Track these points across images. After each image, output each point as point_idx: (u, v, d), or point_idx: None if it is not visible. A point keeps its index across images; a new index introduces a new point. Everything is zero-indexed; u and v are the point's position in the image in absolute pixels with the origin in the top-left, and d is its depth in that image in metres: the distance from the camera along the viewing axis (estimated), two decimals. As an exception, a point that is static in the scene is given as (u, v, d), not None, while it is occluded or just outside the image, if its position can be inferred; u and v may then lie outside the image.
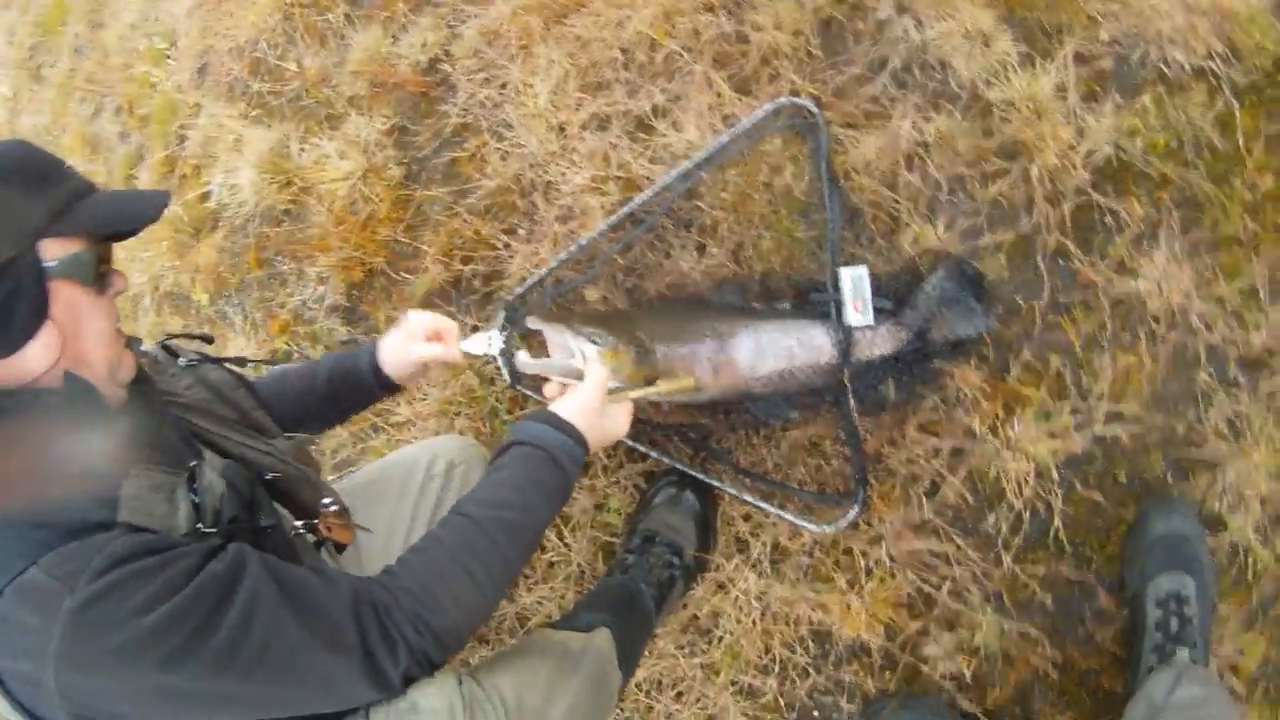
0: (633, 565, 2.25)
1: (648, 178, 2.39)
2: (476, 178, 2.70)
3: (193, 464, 1.50)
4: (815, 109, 2.21)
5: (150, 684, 1.25)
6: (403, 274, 2.81)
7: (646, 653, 2.29)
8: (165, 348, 1.90)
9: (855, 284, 2.16)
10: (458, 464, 2.27)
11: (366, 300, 2.91)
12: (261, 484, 1.78)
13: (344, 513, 1.89)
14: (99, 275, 1.49)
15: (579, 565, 2.46)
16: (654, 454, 2.32)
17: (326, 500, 1.87)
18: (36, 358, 1.38)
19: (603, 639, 1.96)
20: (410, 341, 2.13)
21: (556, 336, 1.99)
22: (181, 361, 1.89)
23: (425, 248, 2.76)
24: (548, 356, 2.04)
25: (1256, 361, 2.09)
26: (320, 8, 3.30)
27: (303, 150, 3.14)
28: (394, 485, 2.24)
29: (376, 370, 2.14)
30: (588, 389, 1.82)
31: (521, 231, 2.60)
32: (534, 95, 2.58)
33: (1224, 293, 2.10)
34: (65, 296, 1.42)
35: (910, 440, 2.20)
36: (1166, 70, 2.14)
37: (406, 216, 2.84)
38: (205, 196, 3.52)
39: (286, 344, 3.07)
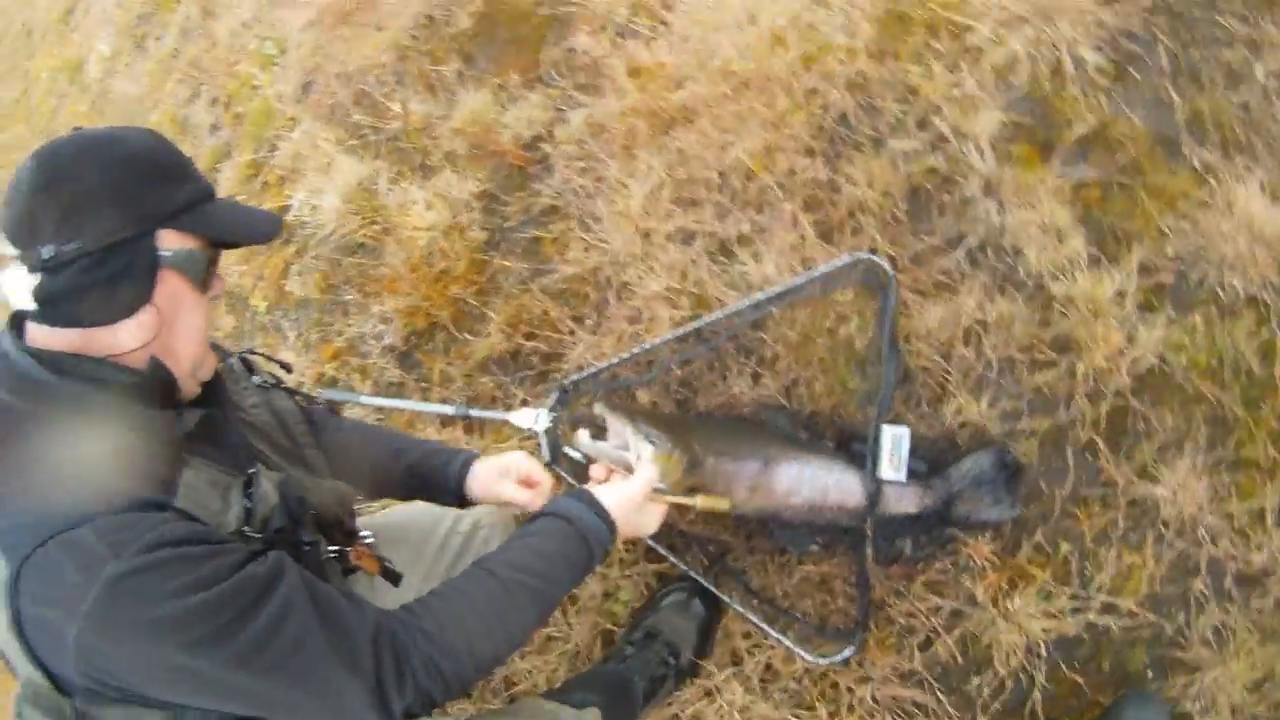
0: (631, 656, 2.34)
1: (720, 300, 2.52)
2: (555, 260, 2.83)
3: (251, 470, 1.60)
4: (890, 270, 2.34)
5: (170, 663, 1.31)
6: (465, 334, 2.93)
7: (625, 742, 2.41)
8: (244, 361, 2.00)
9: (895, 442, 2.28)
10: (483, 526, 2.34)
11: (424, 349, 3.03)
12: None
13: (374, 546, 2.01)
14: (206, 275, 1.59)
15: (576, 645, 2.55)
16: (673, 559, 2.40)
17: (365, 534, 1.99)
18: (130, 335, 1.49)
19: (592, 718, 2.04)
20: (504, 480, 2.19)
21: (618, 426, 2.11)
22: (256, 380, 1.99)
23: (492, 315, 2.88)
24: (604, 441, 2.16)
25: (1252, 579, 2.20)
26: (435, 58, 3.47)
27: (390, 190, 3.29)
28: (417, 532, 2.31)
29: (460, 485, 2.21)
30: (635, 485, 1.92)
31: (589, 322, 2.72)
32: (627, 196, 2.72)
33: (1235, 510, 2.21)
34: (171, 287, 1.52)
35: (915, 595, 2.30)
36: (1221, 293, 2.29)
37: (480, 280, 2.97)
38: (285, 209, 3.65)
39: (335, 371, 3.19)
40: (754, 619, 2.35)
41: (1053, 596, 2.23)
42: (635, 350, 2.52)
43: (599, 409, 2.18)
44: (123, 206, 1.48)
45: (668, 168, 2.72)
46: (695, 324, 2.48)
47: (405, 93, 3.49)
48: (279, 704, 1.42)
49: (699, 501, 2.09)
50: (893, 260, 2.40)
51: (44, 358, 1.47)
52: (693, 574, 2.41)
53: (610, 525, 1.79)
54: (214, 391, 1.76)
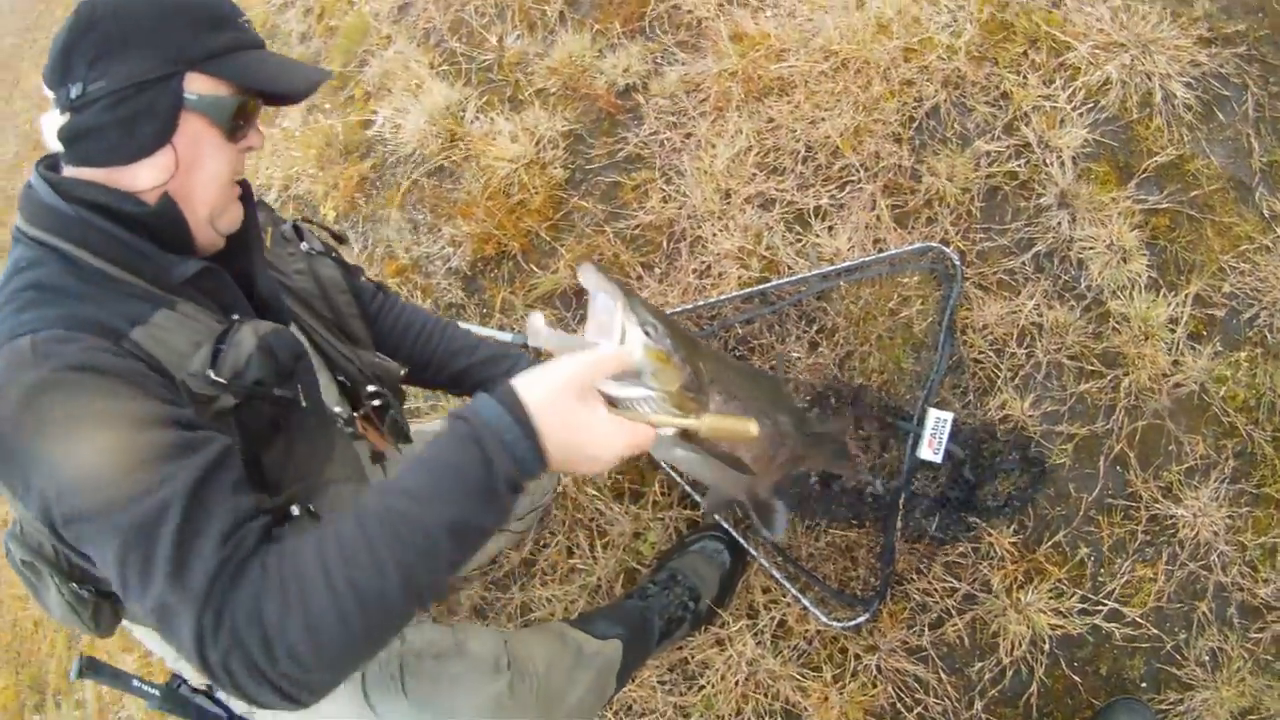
0: (652, 596, 2.47)
1: (790, 267, 2.69)
2: (634, 208, 3.00)
3: (234, 318, 1.58)
4: (958, 262, 2.50)
5: (42, 486, 1.28)
6: (532, 266, 3.10)
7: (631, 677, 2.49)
8: (296, 228, 2.06)
9: (938, 425, 2.43)
10: None
11: (488, 276, 3.20)
12: (336, 382, 1.96)
13: (386, 414, 2.03)
14: (234, 123, 1.60)
15: (599, 579, 2.72)
16: (703, 502, 2.55)
17: (372, 389, 2.01)
18: (145, 175, 1.53)
19: (614, 650, 2.16)
20: None
21: (604, 301, 1.47)
22: (304, 246, 2.03)
23: (563, 251, 3.06)
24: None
25: (1255, 611, 2.35)
26: None
27: (477, 119, 3.46)
28: None
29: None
30: (575, 364, 1.32)
31: (657, 270, 2.89)
32: (713, 155, 2.89)
33: (1248, 543, 2.37)
34: (194, 130, 1.56)
35: (933, 574, 2.46)
36: (1269, 336, 2.45)
37: (555, 217, 3.14)
38: (367, 124, 3.84)
39: (396, 286, 3.34)
40: (776, 575, 2.49)
41: (1064, 595, 2.38)
42: (700, 302, 2.67)
43: (582, 270, 1.47)
44: (153, 48, 1.52)
45: (756, 134, 2.87)
46: (764, 286, 2.64)
47: (504, 26, 3.66)
48: (119, 579, 1.26)
49: (705, 424, 1.46)
50: (961, 254, 2.55)
51: (59, 184, 1.53)
52: (723, 524, 2.53)
53: (525, 426, 1.25)
54: (241, 248, 1.78)
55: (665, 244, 2.93)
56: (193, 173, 1.59)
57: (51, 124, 1.55)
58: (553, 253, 3.11)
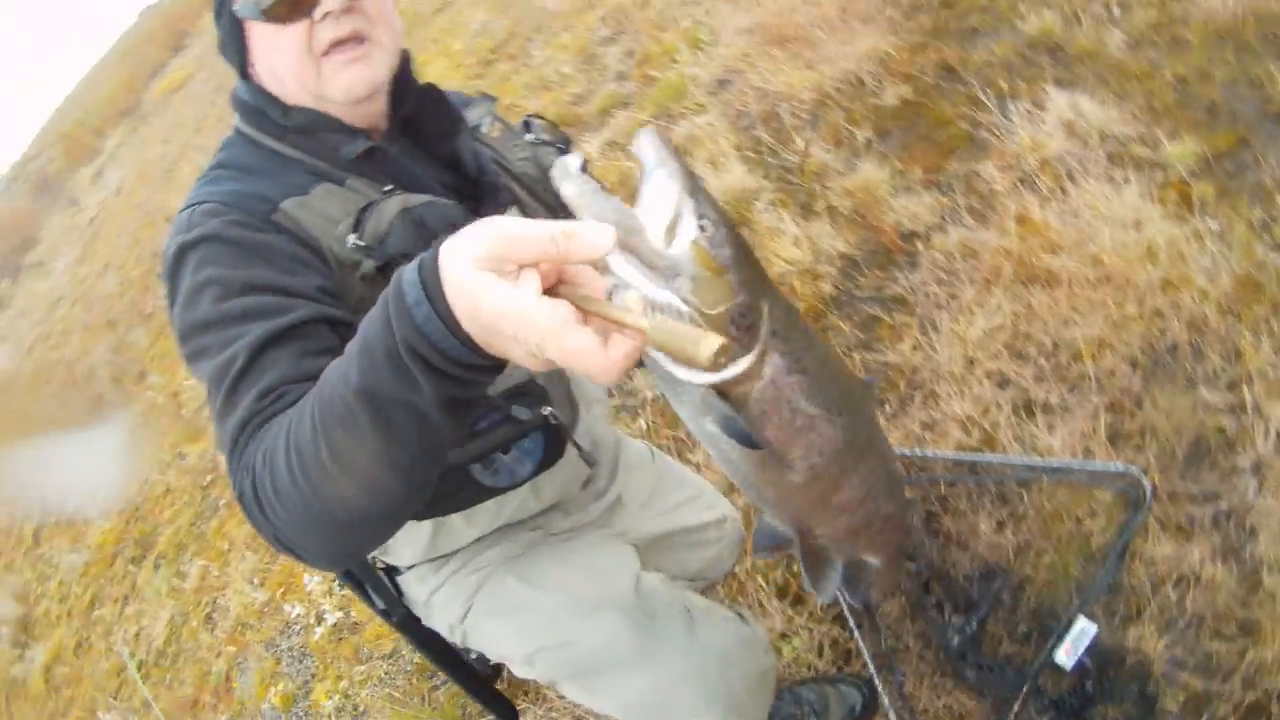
0: (780, 700, 2.69)
1: (1004, 446, 2.98)
2: (885, 344, 3.37)
3: (386, 189, 1.74)
4: (1149, 494, 2.76)
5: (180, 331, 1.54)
6: None
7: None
8: (525, 122, 2.20)
9: (1080, 634, 2.61)
10: (726, 521, 2.68)
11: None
12: None
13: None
14: (276, 7, 1.70)
15: None
16: (856, 635, 2.78)
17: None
18: (262, 78, 1.82)
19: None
20: None
21: (662, 180, 1.18)
22: (529, 136, 2.15)
23: None
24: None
25: None
26: (851, 118, 4.08)
27: (766, 211, 3.92)
28: (672, 481, 2.63)
29: None
30: (515, 229, 1.00)
31: (888, 408, 3.23)
32: (970, 322, 3.23)
33: None
34: (254, 35, 1.77)
35: None
36: None
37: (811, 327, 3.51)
38: None
39: None
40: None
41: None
42: (917, 452, 3.00)
43: (643, 136, 1.20)
44: None
45: (1014, 316, 3.20)
46: (976, 457, 2.95)
47: (812, 134, 4.11)
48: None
49: (653, 325, 1.00)
50: (1154, 487, 2.80)
51: (251, 85, 1.84)
52: (866, 655, 2.74)
53: (433, 290, 1.04)
54: (416, 127, 1.96)
55: (903, 387, 3.26)
56: (274, 68, 1.79)
57: None
58: None
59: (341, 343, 1.24)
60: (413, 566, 2.25)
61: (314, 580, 4.70)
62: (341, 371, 1.16)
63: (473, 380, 1.12)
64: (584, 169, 1.14)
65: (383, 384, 1.11)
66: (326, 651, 4.46)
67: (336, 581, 4.33)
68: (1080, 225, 3.35)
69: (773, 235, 3.82)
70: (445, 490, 1.97)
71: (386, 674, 4.06)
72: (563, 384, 2.11)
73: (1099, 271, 3.21)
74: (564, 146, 2.18)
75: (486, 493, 2.04)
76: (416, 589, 2.27)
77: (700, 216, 1.17)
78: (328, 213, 1.68)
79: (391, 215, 1.69)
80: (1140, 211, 3.29)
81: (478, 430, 1.91)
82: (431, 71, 8.46)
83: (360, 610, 4.39)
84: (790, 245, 3.74)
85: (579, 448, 2.17)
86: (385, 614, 2.38)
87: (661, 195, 1.16)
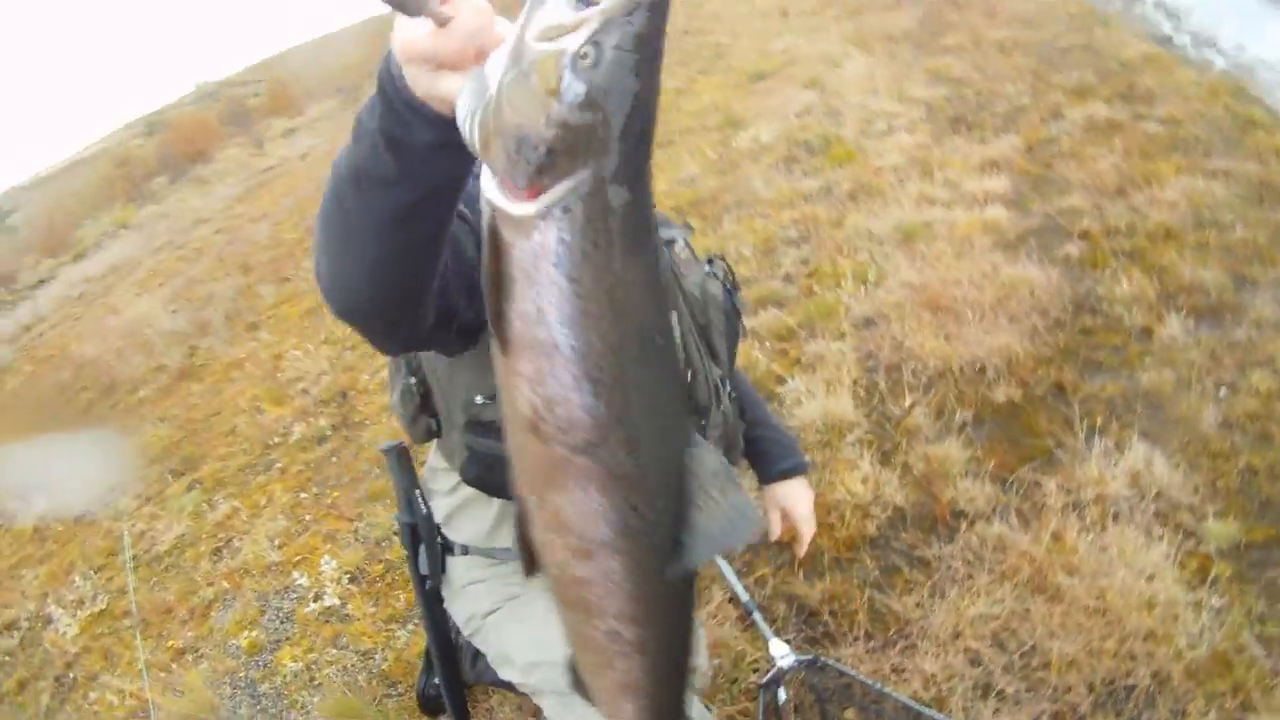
0: None
1: (951, 712, 3.31)
2: (894, 591, 3.77)
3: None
4: None
5: None
6: (792, 579, 4.03)
7: None
8: (710, 259, 2.51)
9: None
10: None
11: (761, 558, 4.16)
12: None
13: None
14: None
15: None
16: None
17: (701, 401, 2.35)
18: None
19: None
20: (775, 510, 2.83)
21: None
22: (708, 268, 2.46)
23: (818, 580, 3.92)
24: None
25: None
26: (961, 398, 4.59)
27: (851, 445, 4.49)
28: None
29: (764, 480, 2.83)
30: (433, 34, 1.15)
31: (871, 641, 3.63)
32: (973, 602, 3.59)
33: None
34: None
35: None
36: None
37: (840, 552, 4.02)
38: (780, 380, 4.97)
39: None
40: None
41: None
42: (875, 684, 3.32)
43: None
44: None
45: (1011, 612, 3.52)
46: (927, 709, 3.21)
47: (922, 399, 4.67)
48: None
49: None
50: None
51: None
52: None
53: (387, 60, 1.24)
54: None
55: (891, 633, 3.64)
56: None
57: None
58: (814, 575, 3.98)
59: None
60: (468, 552, 2.55)
61: (331, 564, 5.11)
62: (339, 156, 1.39)
63: (408, 118, 1.25)
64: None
65: (365, 160, 1.33)
66: (309, 626, 4.84)
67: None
68: (1103, 560, 3.71)
69: (849, 467, 4.32)
70: (500, 474, 1.87)
71: (353, 666, 4.40)
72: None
73: (1099, 604, 3.55)
74: (731, 289, 2.49)
75: None
76: (461, 573, 2.58)
77: (594, 44, 1.02)
78: None
79: None
80: (1159, 569, 3.62)
81: None
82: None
83: (357, 606, 4.81)
84: (858, 481, 4.21)
85: None
86: (421, 580, 2.67)
87: (554, 12, 1.03)
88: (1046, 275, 5.79)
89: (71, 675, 5.43)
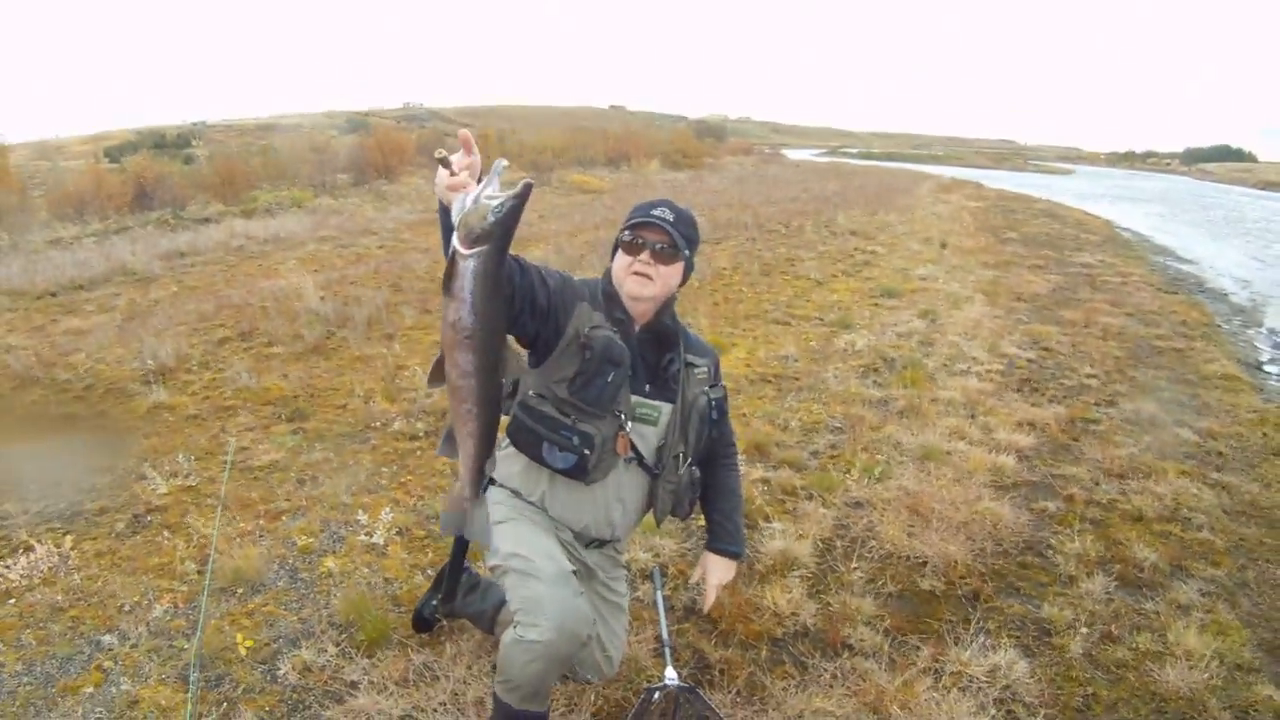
0: None
1: None
2: None
3: (611, 329, 3.38)
4: None
5: None
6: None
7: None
8: (711, 385, 3.76)
9: None
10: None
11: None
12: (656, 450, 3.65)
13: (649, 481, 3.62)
14: (622, 245, 3.45)
15: None
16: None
17: (670, 487, 3.63)
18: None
19: None
20: (704, 579, 3.96)
21: (496, 181, 2.54)
22: (707, 387, 3.71)
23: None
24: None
25: None
26: (925, 596, 5.68)
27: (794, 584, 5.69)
28: None
29: (708, 547, 4.01)
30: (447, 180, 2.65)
31: None
32: None
33: None
34: (617, 253, 3.44)
35: None
36: None
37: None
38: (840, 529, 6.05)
39: None
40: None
41: None
42: None
43: (498, 162, 2.61)
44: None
45: None
46: None
47: (867, 566, 5.74)
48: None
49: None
50: None
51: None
52: None
53: None
54: (657, 336, 3.54)
55: (755, 699, 4.31)
56: (614, 268, 3.45)
57: None
58: (722, 644, 4.82)
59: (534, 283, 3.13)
60: (501, 487, 3.69)
61: (389, 515, 6.17)
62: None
63: (441, 207, 2.58)
64: (505, 168, 2.53)
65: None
66: (354, 549, 5.80)
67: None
68: (935, 712, 4.26)
69: (784, 589, 5.28)
70: (527, 440, 3.48)
71: (374, 585, 5.34)
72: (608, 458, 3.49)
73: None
74: (715, 406, 3.72)
75: (541, 459, 3.46)
76: (492, 494, 3.65)
77: (496, 201, 2.37)
78: (587, 315, 3.32)
79: (599, 330, 3.31)
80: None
81: (559, 434, 3.38)
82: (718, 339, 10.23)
83: (395, 550, 5.73)
84: (785, 599, 5.17)
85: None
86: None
87: (493, 187, 2.42)
88: (1016, 517, 6.60)
89: (149, 518, 6.23)
